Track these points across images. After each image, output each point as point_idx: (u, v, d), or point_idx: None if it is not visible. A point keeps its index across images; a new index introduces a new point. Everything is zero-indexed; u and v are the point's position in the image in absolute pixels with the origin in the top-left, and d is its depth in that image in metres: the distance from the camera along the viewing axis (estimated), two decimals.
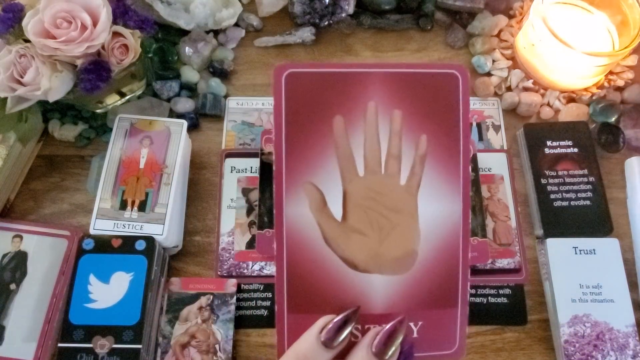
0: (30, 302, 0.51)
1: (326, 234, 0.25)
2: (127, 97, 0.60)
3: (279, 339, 0.27)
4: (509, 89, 0.64)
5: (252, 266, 0.55)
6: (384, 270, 0.25)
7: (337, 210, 0.25)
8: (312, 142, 0.25)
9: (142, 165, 0.54)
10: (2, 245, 0.53)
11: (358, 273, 0.25)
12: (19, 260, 0.52)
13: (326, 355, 0.26)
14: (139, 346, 0.47)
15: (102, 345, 0.47)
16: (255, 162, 0.59)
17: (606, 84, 0.63)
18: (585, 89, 0.63)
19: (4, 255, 0.53)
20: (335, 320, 0.25)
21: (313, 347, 0.26)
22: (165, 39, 0.64)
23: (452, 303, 0.26)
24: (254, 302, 0.54)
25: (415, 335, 0.26)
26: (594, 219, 0.55)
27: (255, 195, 0.57)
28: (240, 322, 0.53)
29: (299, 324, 0.26)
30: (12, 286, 0.51)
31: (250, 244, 0.55)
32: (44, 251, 0.53)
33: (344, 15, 0.66)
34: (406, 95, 0.24)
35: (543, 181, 0.57)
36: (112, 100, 0.59)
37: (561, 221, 0.55)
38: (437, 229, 0.25)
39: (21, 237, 0.53)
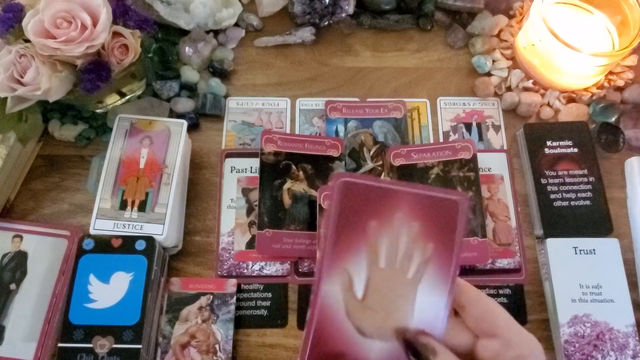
0: (30, 302, 0.51)
1: (348, 308, 0.34)
2: (127, 97, 0.60)
3: None
4: (509, 89, 0.64)
5: (252, 266, 0.55)
6: (383, 338, 0.34)
7: (359, 290, 0.34)
8: (350, 237, 0.33)
9: (142, 165, 0.54)
10: (2, 245, 0.53)
11: (364, 338, 0.33)
12: (19, 260, 0.53)
13: None
14: (139, 346, 0.47)
15: (102, 345, 0.47)
16: (255, 162, 0.59)
17: (606, 84, 0.63)
18: (585, 89, 0.63)
19: (4, 255, 0.53)
20: None
21: None
22: (165, 39, 0.64)
23: None
24: (254, 302, 0.54)
25: None
26: (594, 219, 0.55)
27: (255, 195, 0.57)
28: (240, 322, 0.53)
29: None
30: (12, 286, 0.51)
31: (250, 244, 0.55)
32: (44, 251, 0.53)
33: (344, 15, 0.66)
34: (423, 211, 0.33)
35: (543, 181, 0.57)
36: (112, 100, 0.59)
37: (561, 221, 0.55)
38: (426, 315, 0.34)
39: (21, 237, 0.54)
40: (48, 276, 0.52)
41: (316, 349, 0.34)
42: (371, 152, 0.60)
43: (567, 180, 0.57)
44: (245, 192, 0.58)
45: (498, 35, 0.67)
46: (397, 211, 0.33)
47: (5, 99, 0.49)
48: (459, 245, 0.34)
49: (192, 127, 0.61)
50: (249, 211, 0.57)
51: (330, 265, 0.34)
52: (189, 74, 0.63)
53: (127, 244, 0.50)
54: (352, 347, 0.33)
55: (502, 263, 0.55)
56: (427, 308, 0.34)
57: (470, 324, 0.35)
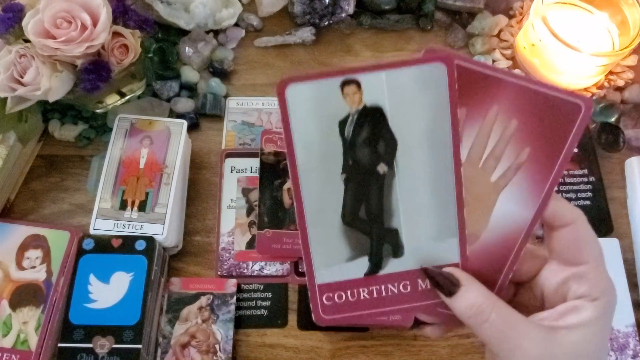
0: (418, 184, 0.30)
1: None
2: (127, 97, 0.60)
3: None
4: None
5: (252, 266, 0.55)
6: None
7: None
8: None
9: (142, 165, 0.54)
10: (332, 102, 0.29)
11: None
12: (374, 122, 0.30)
13: None
14: (139, 346, 0.47)
15: (102, 345, 0.47)
16: (255, 162, 0.59)
17: (606, 84, 0.63)
18: (585, 89, 0.63)
19: (342, 121, 0.30)
20: None
21: None
22: (165, 39, 0.64)
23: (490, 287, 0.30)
24: (254, 302, 0.54)
25: None
26: (594, 219, 0.55)
27: (255, 195, 0.57)
28: (240, 322, 0.53)
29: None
30: (382, 168, 0.31)
31: (250, 244, 0.55)
32: (411, 90, 0.29)
33: (344, 15, 0.66)
34: (527, 110, 0.28)
35: None
36: (112, 100, 0.59)
37: None
38: (503, 227, 0.29)
39: (358, 84, 0.29)
40: (435, 123, 0.29)
41: None
42: None
43: (567, 180, 0.57)
44: (245, 192, 0.58)
45: (498, 35, 0.67)
46: (495, 102, 0.28)
47: (5, 99, 0.49)
48: (566, 158, 0.29)
49: (192, 127, 0.61)
50: (249, 211, 0.57)
51: None
52: (189, 74, 0.63)
53: (127, 244, 0.50)
54: None
55: None
56: (505, 220, 0.29)
57: (554, 245, 0.30)
